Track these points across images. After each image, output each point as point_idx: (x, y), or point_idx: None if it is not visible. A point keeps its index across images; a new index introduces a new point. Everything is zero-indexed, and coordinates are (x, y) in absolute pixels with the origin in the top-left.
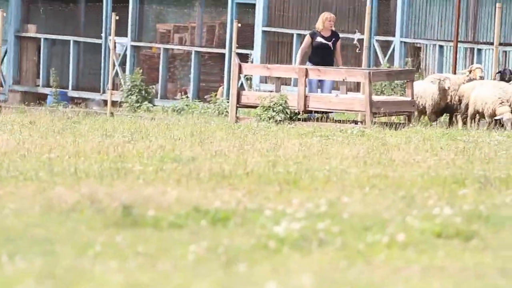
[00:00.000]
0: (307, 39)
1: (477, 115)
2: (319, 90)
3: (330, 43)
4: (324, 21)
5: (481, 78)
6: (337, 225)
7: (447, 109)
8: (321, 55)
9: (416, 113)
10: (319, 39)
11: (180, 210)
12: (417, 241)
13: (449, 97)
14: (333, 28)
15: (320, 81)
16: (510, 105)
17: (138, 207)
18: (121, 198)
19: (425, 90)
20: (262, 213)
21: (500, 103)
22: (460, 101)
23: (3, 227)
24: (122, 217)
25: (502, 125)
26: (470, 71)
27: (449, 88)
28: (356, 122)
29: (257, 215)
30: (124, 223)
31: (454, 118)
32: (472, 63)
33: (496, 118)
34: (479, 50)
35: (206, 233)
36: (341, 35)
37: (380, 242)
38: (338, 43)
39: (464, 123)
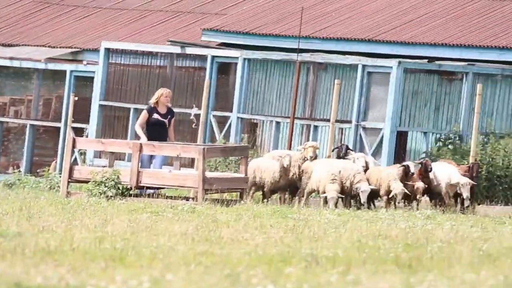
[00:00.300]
0: (144, 114)
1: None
2: (152, 165)
3: (166, 120)
4: (159, 97)
5: (312, 157)
6: None
7: (285, 186)
8: (157, 131)
9: (253, 189)
10: (155, 115)
11: (1, 286)
12: None
13: (290, 174)
14: (169, 104)
15: (152, 156)
16: (346, 181)
17: None
18: None
19: (266, 167)
20: None
21: (331, 180)
22: (300, 178)
23: None
24: None
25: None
26: (304, 149)
27: (288, 165)
28: (187, 199)
29: None
30: None
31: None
32: (308, 140)
33: (323, 195)
34: (316, 127)
35: None
36: (178, 110)
37: None
38: (173, 120)
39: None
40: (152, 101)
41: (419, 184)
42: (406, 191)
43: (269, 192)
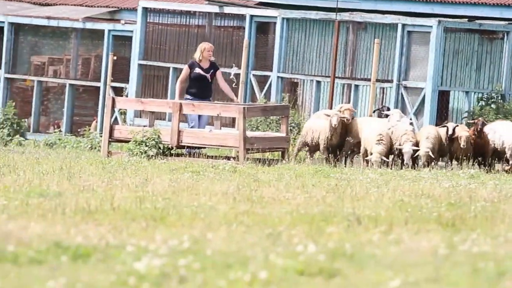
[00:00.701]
0: (186, 69)
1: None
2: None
3: (208, 75)
4: (202, 51)
5: (348, 120)
6: (199, 262)
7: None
8: (199, 86)
9: (306, 148)
10: (197, 70)
11: (41, 245)
12: (279, 279)
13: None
14: (212, 59)
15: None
16: (395, 142)
17: None
18: None
19: (319, 127)
20: (124, 249)
21: (378, 141)
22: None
23: None
24: None
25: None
26: (340, 111)
27: (336, 124)
28: (229, 158)
29: (119, 251)
30: None
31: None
32: (349, 99)
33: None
34: (356, 86)
35: (66, 269)
36: None
37: (241, 279)
38: (218, 73)
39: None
40: (196, 55)
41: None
42: (429, 153)
43: (325, 150)
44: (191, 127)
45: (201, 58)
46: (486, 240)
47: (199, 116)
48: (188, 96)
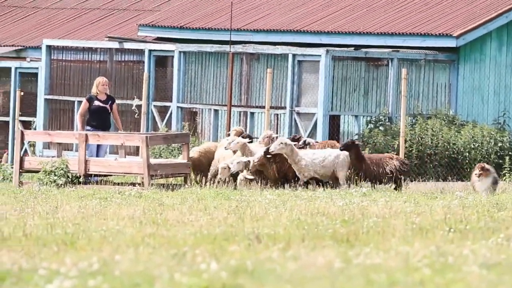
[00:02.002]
0: (84, 103)
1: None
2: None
3: (107, 106)
4: (97, 86)
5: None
6: (108, 282)
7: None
8: (99, 118)
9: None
10: (96, 102)
11: None
12: None
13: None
14: (108, 92)
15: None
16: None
17: None
18: None
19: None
20: (37, 272)
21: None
22: None
23: None
24: None
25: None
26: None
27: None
28: (134, 184)
29: (31, 275)
30: None
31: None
32: (246, 126)
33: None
34: (252, 114)
35: None
36: (120, 101)
37: None
38: (115, 106)
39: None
40: (93, 90)
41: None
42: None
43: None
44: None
45: (98, 92)
46: (378, 253)
47: (98, 147)
48: (89, 128)
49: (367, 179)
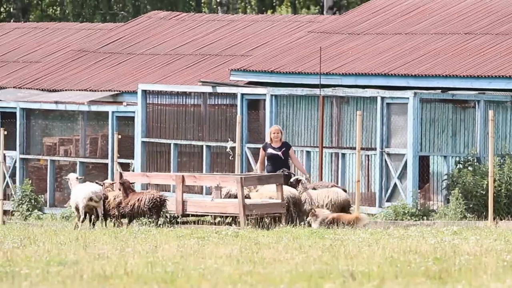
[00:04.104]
0: (261, 151)
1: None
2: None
3: (279, 153)
4: (269, 135)
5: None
6: None
7: None
8: (273, 164)
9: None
10: (269, 150)
11: None
12: None
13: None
14: (280, 139)
15: None
16: None
17: None
18: None
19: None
20: None
21: None
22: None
23: None
24: None
25: None
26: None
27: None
28: (230, 224)
29: None
30: None
31: None
32: (337, 167)
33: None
34: (343, 155)
35: None
36: (215, 144)
37: None
38: (291, 151)
39: None
40: (267, 139)
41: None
42: None
43: None
44: None
45: (270, 140)
46: None
47: None
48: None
49: None
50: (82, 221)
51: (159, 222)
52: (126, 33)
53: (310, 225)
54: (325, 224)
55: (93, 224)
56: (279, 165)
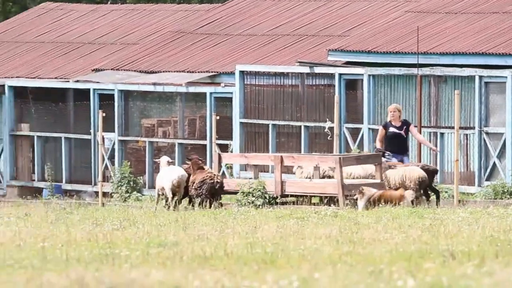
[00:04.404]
0: (380, 130)
1: None
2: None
3: (402, 132)
4: (388, 114)
5: None
6: None
7: None
8: (394, 144)
9: None
10: (391, 129)
11: None
12: None
13: None
14: (400, 117)
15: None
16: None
17: None
18: (107, 281)
19: None
20: None
21: None
22: None
23: None
24: None
25: None
26: None
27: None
28: (330, 204)
29: None
30: None
31: None
32: (436, 146)
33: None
34: (442, 134)
35: None
36: (313, 124)
37: None
38: (411, 128)
39: None
40: (388, 118)
41: None
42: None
43: None
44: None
45: (391, 119)
46: None
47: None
48: (387, 153)
49: None
50: (171, 203)
51: (258, 203)
52: (223, 14)
53: (356, 204)
54: (371, 203)
55: (172, 207)
56: (399, 143)
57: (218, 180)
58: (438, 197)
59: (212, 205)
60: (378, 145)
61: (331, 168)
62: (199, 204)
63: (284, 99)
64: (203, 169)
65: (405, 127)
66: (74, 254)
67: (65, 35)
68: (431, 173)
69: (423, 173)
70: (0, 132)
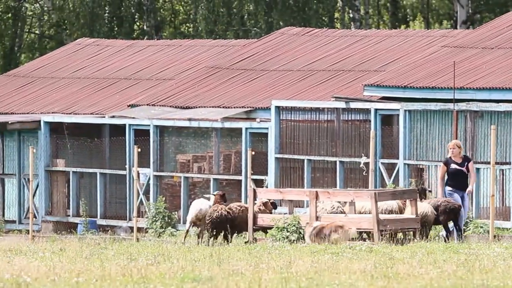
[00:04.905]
0: (442, 167)
1: None
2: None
3: (463, 169)
4: (448, 150)
5: None
6: None
7: None
8: (455, 179)
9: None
10: (453, 165)
11: None
12: None
13: None
14: (460, 153)
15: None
16: None
17: None
18: None
19: None
20: None
21: None
22: None
23: None
24: None
25: None
26: None
27: None
28: (365, 239)
29: None
30: None
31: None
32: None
33: None
34: (477, 169)
35: None
36: (348, 159)
37: None
38: (470, 164)
39: None
40: (448, 154)
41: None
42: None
43: None
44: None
45: (451, 155)
46: None
47: (462, 199)
48: (449, 189)
49: None
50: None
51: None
52: (259, 49)
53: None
54: (314, 235)
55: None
56: (462, 180)
57: (225, 213)
58: (448, 235)
59: (230, 239)
60: (439, 184)
61: (342, 203)
62: (209, 237)
63: (319, 134)
64: (224, 203)
65: (466, 163)
66: None
67: (101, 70)
68: (451, 210)
69: (428, 209)
70: (36, 168)
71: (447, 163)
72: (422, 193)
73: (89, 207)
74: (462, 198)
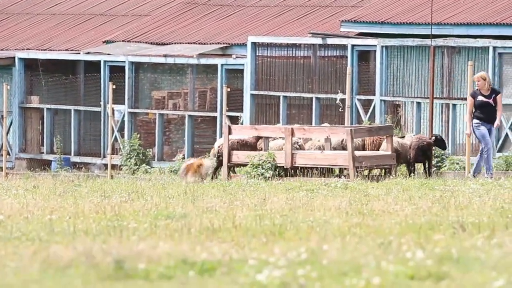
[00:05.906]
0: (469, 99)
1: None
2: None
3: (490, 100)
4: (475, 82)
5: None
6: (317, 271)
7: None
8: (483, 112)
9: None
10: (479, 98)
11: (170, 262)
12: (392, 283)
13: None
14: (487, 85)
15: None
16: None
17: (130, 261)
18: (114, 253)
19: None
20: (247, 262)
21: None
22: None
23: (3, 284)
24: (114, 271)
25: None
26: None
27: None
28: (340, 176)
29: (242, 264)
30: (117, 276)
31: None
32: (448, 118)
33: None
34: (454, 105)
35: (194, 283)
36: (324, 96)
37: (356, 286)
38: (499, 97)
39: None
40: (475, 87)
41: None
42: None
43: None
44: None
45: (477, 87)
46: None
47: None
48: (476, 121)
49: None
50: None
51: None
52: None
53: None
54: (184, 174)
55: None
56: (488, 112)
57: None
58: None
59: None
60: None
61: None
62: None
63: (295, 71)
64: None
65: (493, 95)
66: (82, 227)
67: (76, 6)
68: (419, 148)
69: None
70: (10, 105)
71: (474, 95)
72: (441, 143)
73: (63, 144)
74: (489, 131)
